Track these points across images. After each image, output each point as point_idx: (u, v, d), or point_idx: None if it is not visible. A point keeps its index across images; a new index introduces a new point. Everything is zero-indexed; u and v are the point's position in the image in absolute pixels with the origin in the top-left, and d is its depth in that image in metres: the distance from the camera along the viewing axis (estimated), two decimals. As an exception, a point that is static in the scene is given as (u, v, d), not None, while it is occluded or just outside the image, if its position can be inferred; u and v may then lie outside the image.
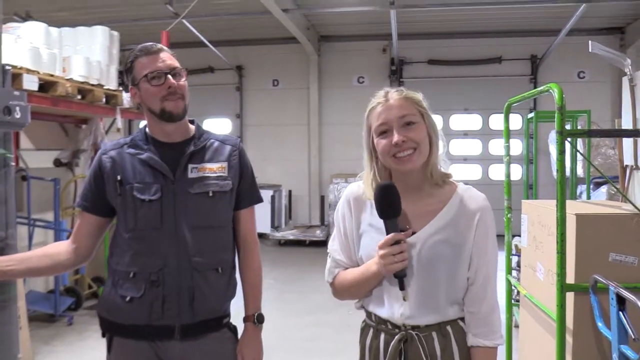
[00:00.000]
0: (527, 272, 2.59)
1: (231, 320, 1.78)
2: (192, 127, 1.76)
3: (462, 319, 1.44)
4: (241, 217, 1.77)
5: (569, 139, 1.99)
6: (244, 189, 1.76)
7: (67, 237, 1.80)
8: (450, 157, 1.53)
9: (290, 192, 10.26)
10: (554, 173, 6.63)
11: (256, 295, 1.79)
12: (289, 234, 9.12)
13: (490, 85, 9.75)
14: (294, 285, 6.35)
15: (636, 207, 2.04)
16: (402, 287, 1.38)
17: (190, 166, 1.67)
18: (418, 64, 10.01)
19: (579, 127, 5.60)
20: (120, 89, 5.16)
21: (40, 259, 1.68)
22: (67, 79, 4.37)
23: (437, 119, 1.49)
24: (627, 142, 3.12)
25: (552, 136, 7.31)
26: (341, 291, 1.52)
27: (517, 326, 3.21)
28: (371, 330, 1.48)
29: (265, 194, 8.43)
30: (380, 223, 1.41)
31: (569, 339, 1.99)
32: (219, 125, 10.63)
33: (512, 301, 3.03)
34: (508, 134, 2.78)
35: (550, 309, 2.11)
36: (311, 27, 9.51)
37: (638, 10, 8.27)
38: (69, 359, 4.01)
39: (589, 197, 5.48)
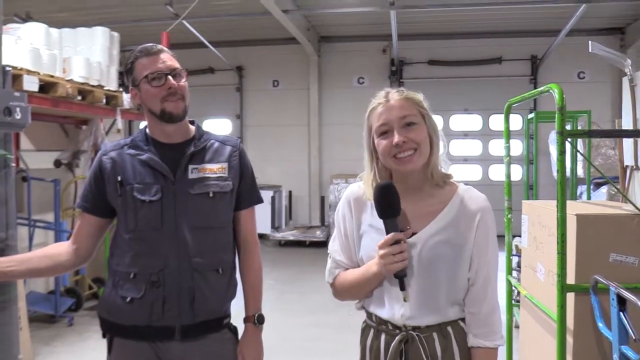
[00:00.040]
0: (527, 273, 2.59)
1: (231, 321, 1.78)
2: (192, 127, 1.76)
3: (463, 319, 1.44)
4: (241, 218, 1.77)
5: (569, 140, 1.99)
6: (244, 189, 1.76)
7: (68, 238, 1.80)
8: (451, 158, 1.53)
9: (290, 192, 10.26)
10: (554, 173, 6.63)
11: (256, 295, 1.79)
12: (289, 235, 9.12)
13: (490, 85, 9.75)
14: (294, 285, 6.35)
15: (637, 208, 2.04)
16: (402, 288, 1.38)
17: (190, 167, 1.67)
18: (418, 65, 10.01)
19: (579, 128, 5.60)
20: (121, 89, 5.16)
21: (40, 259, 1.68)
22: (68, 80, 4.38)
23: (437, 120, 1.49)
24: (628, 143, 3.12)
25: (552, 136, 7.30)
26: (341, 292, 1.52)
27: (517, 327, 3.21)
28: (372, 331, 1.48)
29: (266, 195, 8.45)
30: (380, 224, 1.41)
31: (569, 340, 1.99)
32: (219, 126, 10.63)
33: (513, 302, 3.03)
34: (508, 134, 2.78)
35: (551, 310, 2.11)
36: (311, 28, 9.52)
37: (638, 10, 8.27)
38: (69, 359, 4.01)
39: (589, 198, 5.48)
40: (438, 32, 9.56)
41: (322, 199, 10.19)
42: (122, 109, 5.16)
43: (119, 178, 1.65)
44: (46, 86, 4.06)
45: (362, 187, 1.50)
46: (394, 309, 1.41)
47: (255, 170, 1.86)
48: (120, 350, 1.68)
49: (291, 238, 9.05)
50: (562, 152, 1.94)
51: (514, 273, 4.06)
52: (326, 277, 1.55)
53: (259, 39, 10.02)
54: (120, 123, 5.31)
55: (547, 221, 2.27)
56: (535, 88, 9.20)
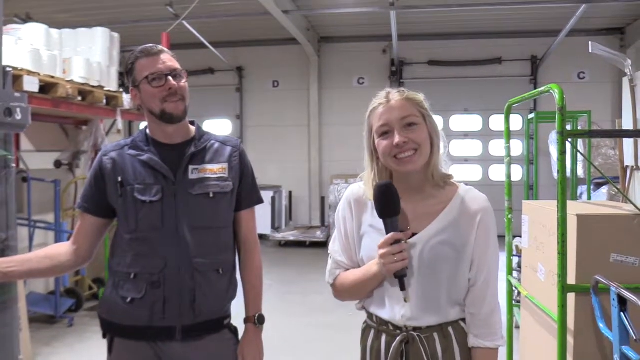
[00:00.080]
0: (528, 273, 2.59)
1: (232, 321, 1.78)
2: (192, 128, 1.76)
3: (464, 320, 1.44)
4: (242, 218, 1.77)
5: (569, 140, 1.99)
6: (245, 190, 1.76)
7: (68, 239, 1.80)
8: (451, 158, 1.53)
9: (290, 193, 10.26)
10: (555, 174, 6.63)
11: (257, 296, 1.79)
12: (290, 235, 9.12)
13: (490, 86, 9.75)
14: (295, 286, 6.34)
15: (637, 208, 2.03)
16: (402, 288, 1.38)
17: (190, 167, 1.68)
18: (418, 65, 10.01)
19: (579, 128, 5.59)
20: (121, 90, 5.16)
21: (40, 260, 1.68)
22: (68, 81, 4.38)
23: (438, 120, 1.48)
24: (628, 143, 3.12)
25: (553, 137, 7.30)
26: (342, 292, 1.52)
27: (518, 327, 3.21)
28: (372, 332, 1.48)
29: (266, 195, 8.45)
30: (381, 224, 1.41)
31: (570, 340, 1.99)
32: (219, 127, 10.64)
33: (513, 302, 3.03)
34: (509, 134, 2.78)
35: (552, 310, 2.11)
36: (311, 28, 9.52)
37: (638, 10, 8.27)
38: (69, 360, 4.01)
39: (589, 198, 5.48)
40: (438, 32, 9.56)
41: (323, 200, 10.19)
42: (122, 110, 5.16)
43: (120, 179, 1.65)
44: (46, 87, 4.07)
45: (363, 187, 1.50)
46: (394, 309, 1.41)
47: (255, 171, 1.86)
48: (120, 351, 1.68)
49: (291, 238, 9.05)
50: (562, 153, 1.93)
51: (515, 273, 4.06)
52: (327, 278, 1.55)
53: (259, 40, 10.03)
54: (120, 124, 5.31)
55: (547, 221, 2.27)
56: (535, 88, 9.19)
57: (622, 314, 1.69)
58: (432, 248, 1.39)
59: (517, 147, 9.16)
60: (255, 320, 1.75)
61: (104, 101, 4.85)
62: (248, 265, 1.80)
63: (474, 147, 10.05)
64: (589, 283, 1.91)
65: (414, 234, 1.41)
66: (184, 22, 7.11)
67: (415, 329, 1.40)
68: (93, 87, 4.66)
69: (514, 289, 2.95)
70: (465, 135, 10.02)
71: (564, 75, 9.33)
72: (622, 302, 1.69)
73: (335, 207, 8.34)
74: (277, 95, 10.50)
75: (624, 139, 3.28)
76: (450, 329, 1.42)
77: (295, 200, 10.38)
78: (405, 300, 1.40)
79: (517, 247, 4.06)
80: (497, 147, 9.87)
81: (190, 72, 1.75)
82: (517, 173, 8.89)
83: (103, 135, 5.48)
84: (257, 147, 10.05)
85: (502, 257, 2.08)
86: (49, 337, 4.40)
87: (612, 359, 1.75)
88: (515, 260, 3.86)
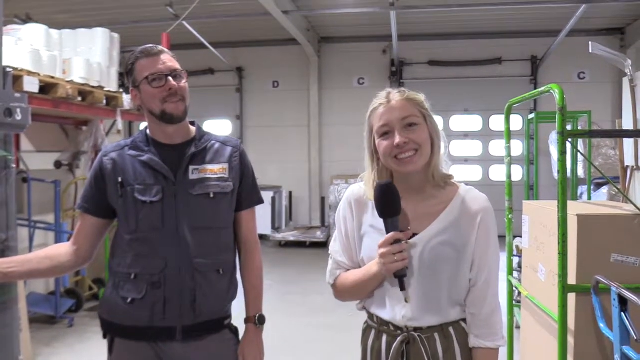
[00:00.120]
0: (528, 273, 2.59)
1: (232, 322, 1.78)
2: (192, 128, 1.76)
3: (465, 320, 1.44)
4: (242, 219, 1.77)
5: (569, 140, 1.99)
6: (245, 190, 1.76)
7: (68, 239, 1.80)
8: (451, 158, 1.53)
9: (290, 193, 10.26)
10: (555, 174, 6.63)
11: (257, 296, 1.79)
12: (290, 235, 9.12)
13: (490, 86, 9.75)
14: (295, 286, 6.34)
15: (637, 208, 2.03)
16: (402, 288, 1.38)
17: (191, 168, 1.67)
18: (418, 65, 10.01)
19: (579, 128, 5.59)
20: (121, 90, 5.16)
21: (41, 261, 1.68)
22: (68, 81, 4.38)
23: (438, 120, 1.48)
24: (628, 143, 3.12)
25: (553, 137, 7.30)
26: (342, 292, 1.52)
27: (518, 327, 3.21)
28: (373, 332, 1.48)
29: (266, 195, 8.45)
30: (381, 224, 1.41)
31: (570, 340, 1.99)
32: (219, 127, 10.64)
33: (514, 302, 3.02)
34: (509, 134, 2.78)
35: (552, 310, 2.11)
36: (311, 29, 9.52)
37: (638, 10, 8.27)
38: (69, 361, 4.01)
39: (589, 198, 5.48)
40: (438, 32, 9.56)
41: (323, 200, 10.19)
42: (123, 110, 5.16)
43: (120, 179, 1.65)
44: (46, 87, 4.07)
45: (363, 187, 1.50)
46: (395, 310, 1.41)
47: (255, 171, 1.86)
48: (121, 351, 1.68)
49: (291, 239, 9.05)
50: (562, 153, 1.93)
51: (515, 273, 4.06)
52: (327, 278, 1.55)
53: (259, 40, 10.03)
54: (120, 124, 5.31)
55: (548, 221, 2.27)
56: (535, 88, 9.20)
57: (622, 314, 1.69)
58: (432, 248, 1.39)
59: (518, 147, 9.16)
60: (256, 320, 1.75)
61: (104, 101, 4.85)
62: (248, 265, 1.80)
63: (474, 147, 10.05)
64: (590, 283, 1.91)
65: (414, 234, 1.41)
66: (184, 23, 7.11)
67: (416, 329, 1.40)
68: (93, 87, 4.66)
69: (514, 289, 2.95)
70: (466, 135, 10.02)
71: (564, 75, 9.33)
72: (623, 302, 1.69)
73: (336, 207, 8.33)
74: (277, 95, 10.50)
75: (624, 139, 3.28)
76: (451, 329, 1.42)
77: (296, 200, 10.38)
78: (406, 301, 1.40)
79: (517, 247, 4.06)
80: (497, 147, 9.87)
81: (190, 72, 1.75)
82: (518, 173, 8.89)
83: (103, 136, 5.48)
84: (257, 148, 10.05)
85: (503, 257, 2.08)
86: (49, 338, 4.40)
87: (613, 359, 1.74)
88: (515, 260, 3.86)
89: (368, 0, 7.68)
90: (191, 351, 1.65)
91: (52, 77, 4.15)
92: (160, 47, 1.68)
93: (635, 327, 1.64)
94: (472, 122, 10.06)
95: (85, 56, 4.81)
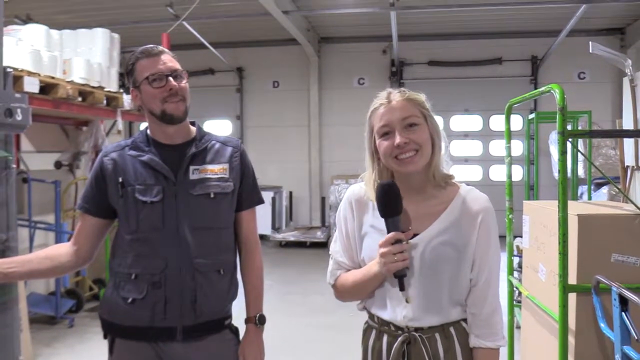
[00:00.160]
0: (528, 273, 2.59)
1: (233, 322, 1.78)
2: (193, 128, 1.76)
3: (465, 320, 1.44)
4: (242, 219, 1.77)
5: (570, 140, 1.99)
6: (246, 190, 1.76)
7: (68, 240, 1.80)
8: (451, 158, 1.53)
9: (290, 193, 10.26)
10: (555, 174, 6.63)
11: (258, 296, 1.79)
12: (290, 236, 9.12)
13: (490, 86, 9.75)
14: (295, 286, 6.34)
15: (638, 207, 2.03)
16: (402, 288, 1.37)
17: (191, 168, 1.67)
18: (418, 65, 10.01)
19: (579, 128, 5.59)
20: (121, 91, 5.17)
21: (41, 261, 1.68)
22: (68, 81, 4.38)
23: (438, 120, 1.48)
24: (628, 143, 3.12)
25: (553, 137, 7.30)
26: (343, 293, 1.52)
27: (518, 327, 3.21)
28: (374, 332, 1.47)
29: (266, 196, 8.44)
30: (382, 224, 1.41)
31: (571, 340, 1.99)
32: (219, 127, 10.64)
33: (514, 302, 3.02)
34: (509, 134, 2.78)
35: (553, 310, 2.10)
36: (311, 29, 9.52)
37: (638, 10, 8.27)
38: (70, 361, 4.01)
39: (590, 198, 5.48)
40: (438, 32, 9.56)
41: (323, 200, 10.19)
42: (123, 110, 5.16)
43: (120, 179, 1.65)
44: (47, 87, 4.07)
45: (364, 187, 1.50)
46: (396, 310, 1.41)
47: (255, 171, 1.86)
48: (121, 351, 1.68)
49: (292, 239, 9.05)
50: (563, 152, 1.93)
51: (515, 273, 4.06)
52: (327, 278, 1.55)
53: (259, 40, 10.03)
54: (120, 124, 5.31)
55: (548, 221, 2.27)
56: (535, 88, 9.20)
57: (623, 313, 1.69)
58: (433, 248, 1.39)
59: (518, 147, 9.16)
60: (256, 320, 1.75)
61: (104, 102, 4.85)
62: (249, 265, 1.79)
63: (474, 147, 10.05)
64: (590, 283, 1.91)
65: (415, 235, 1.41)
66: (184, 23, 7.12)
67: (416, 329, 1.40)
68: (93, 87, 4.66)
69: (514, 289, 2.95)
70: (466, 135, 10.02)
71: (564, 75, 9.33)
72: (624, 301, 1.69)
73: (336, 207, 8.31)
74: (277, 95, 10.50)
75: (625, 139, 3.28)
76: (451, 329, 1.41)
77: (296, 200, 10.39)
78: (407, 301, 1.40)
79: (517, 247, 4.06)
80: (497, 147, 9.87)
81: (190, 72, 1.75)
82: (518, 173, 8.89)
83: (103, 136, 5.49)
84: (257, 148, 10.05)
85: (503, 258, 2.08)
86: (50, 338, 4.40)
87: (614, 359, 1.74)
88: (516, 260, 3.86)
89: (368, 0, 7.68)
90: (192, 351, 1.65)
91: (53, 78, 4.15)
92: (160, 48, 1.68)
93: (636, 326, 1.64)
94: (472, 122, 10.06)
95: (86, 56, 4.81)
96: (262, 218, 7.25)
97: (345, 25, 9.35)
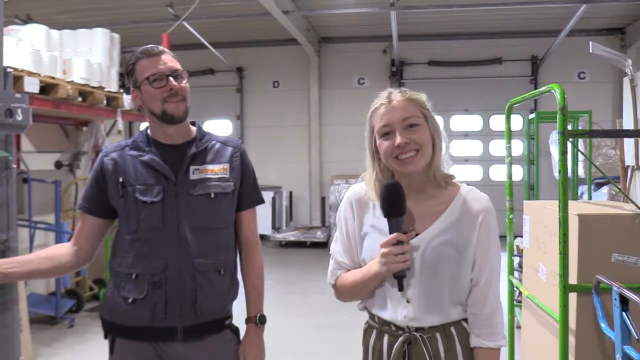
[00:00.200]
0: (529, 273, 2.59)
1: (233, 322, 1.78)
2: (193, 128, 1.76)
3: (466, 319, 1.44)
4: (243, 219, 1.77)
5: (570, 140, 1.99)
6: (246, 190, 1.76)
7: (68, 240, 1.80)
8: (451, 158, 1.53)
9: (291, 193, 10.26)
10: (555, 174, 6.63)
11: (258, 296, 1.79)
12: (290, 236, 9.12)
13: (490, 86, 9.75)
14: (296, 286, 6.34)
15: (638, 207, 2.03)
16: (400, 289, 1.37)
17: (192, 168, 1.67)
18: (418, 65, 10.01)
19: (580, 128, 5.59)
20: (121, 91, 5.17)
21: (41, 261, 1.68)
22: (68, 82, 4.38)
23: (438, 120, 1.48)
24: (628, 143, 3.12)
25: (553, 137, 7.30)
26: (343, 292, 1.52)
27: (519, 327, 3.21)
28: (374, 332, 1.47)
29: (266, 196, 8.43)
30: (382, 224, 1.41)
31: (571, 340, 1.98)
32: (219, 127, 10.64)
33: (514, 302, 3.02)
34: (509, 134, 2.78)
35: (553, 310, 2.10)
36: (311, 29, 9.52)
37: (638, 10, 8.27)
38: (70, 361, 4.01)
39: (590, 198, 5.48)
40: (438, 32, 9.56)
41: (323, 200, 10.19)
42: (123, 110, 5.16)
43: (121, 179, 1.65)
44: (47, 87, 4.07)
45: (364, 187, 1.50)
46: (396, 310, 1.41)
47: (255, 171, 1.86)
48: (122, 351, 1.68)
49: (292, 239, 9.05)
50: (563, 152, 1.93)
51: (516, 273, 4.06)
52: (328, 278, 1.55)
53: (259, 40, 10.03)
54: (120, 124, 5.31)
55: (548, 221, 2.27)
56: (535, 88, 9.20)
57: (623, 313, 1.69)
58: (434, 248, 1.39)
59: (518, 147, 9.16)
60: (257, 320, 1.75)
61: (105, 102, 4.85)
62: (249, 265, 1.80)
63: (475, 147, 10.05)
64: (591, 283, 1.91)
65: (416, 235, 1.40)
66: (184, 23, 7.12)
67: (417, 329, 1.40)
68: (93, 87, 4.66)
69: (515, 289, 2.95)
70: (466, 135, 10.02)
71: (564, 75, 9.33)
72: (624, 301, 1.69)
73: (336, 207, 8.33)
74: (277, 95, 10.50)
75: (625, 139, 3.28)
76: (452, 329, 1.41)
77: (296, 200, 10.39)
78: (408, 301, 1.40)
79: (518, 247, 4.06)
80: (497, 147, 9.87)
81: (190, 72, 1.75)
82: (518, 173, 8.89)
83: (103, 136, 5.49)
84: (257, 148, 10.06)
85: (504, 257, 2.08)
86: (50, 338, 4.40)
87: (614, 359, 1.74)
88: (516, 260, 3.86)
89: (368, 0, 7.68)
90: (192, 351, 1.65)
91: (53, 78, 4.15)
92: (161, 48, 1.68)
93: (637, 326, 1.64)
94: (472, 122, 10.06)
95: (86, 56, 4.81)
96: (262, 218, 7.24)
97: (345, 25, 9.35)
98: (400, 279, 1.36)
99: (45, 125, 5.24)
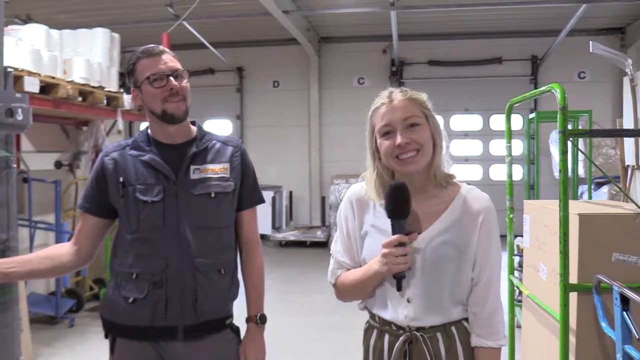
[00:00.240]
0: (529, 273, 2.59)
1: (234, 321, 1.78)
2: (193, 128, 1.76)
3: (467, 319, 1.44)
4: (243, 218, 1.77)
5: (571, 139, 1.99)
6: (246, 189, 1.76)
7: (69, 239, 1.80)
8: (452, 158, 1.52)
9: (291, 193, 10.26)
10: (555, 173, 6.63)
11: (258, 295, 1.79)
12: (290, 235, 9.12)
13: (490, 85, 9.75)
14: (296, 286, 6.34)
15: (638, 207, 2.03)
16: (399, 288, 1.37)
17: (192, 167, 1.67)
18: (418, 65, 10.01)
19: (580, 127, 5.59)
20: (121, 90, 5.17)
21: (41, 261, 1.68)
22: (68, 81, 4.38)
23: (438, 120, 1.48)
24: (629, 142, 3.12)
25: (553, 136, 7.30)
26: (343, 292, 1.52)
27: (519, 327, 3.21)
28: (375, 332, 1.47)
29: (266, 195, 8.39)
30: (383, 224, 1.41)
31: (572, 339, 1.98)
32: (219, 127, 10.64)
33: (515, 301, 3.02)
34: (510, 134, 2.78)
35: (553, 309, 2.10)
36: (311, 29, 9.52)
37: (638, 10, 8.27)
38: (70, 361, 4.01)
39: (590, 197, 5.48)
40: (438, 32, 9.56)
41: (323, 199, 10.19)
42: (123, 110, 5.16)
43: (121, 179, 1.65)
44: (47, 87, 4.07)
45: (365, 187, 1.50)
46: (397, 310, 1.41)
47: (255, 171, 1.86)
48: (122, 351, 1.68)
49: (292, 238, 9.05)
50: (564, 152, 1.93)
51: (516, 273, 4.06)
52: (328, 278, 1.55)
53: (259, 40, 10.03)
54: (121, 124, 5.31)
55: (549, 221, 2.27)
56: (535, 88, 9.20)
57: (624, 313, 1.69)
58: (434, 248, 1.39)
59: (518, 147, 9.16)
60: (257, 319, 1.75)
61: (105, 102, 4.85)
62: (250, 265, 1.79)
63: (475, 146, 10.05)
64: (591, 282, 1.91)
65: (417, 234, 1.40)
66: (184, 23, 7.11)
67: (418, 329, 1.40)
68: (93, 87, 4.66)
69: (515, 288, 2.95)
70: (466, 135, 10.02)
71: (564, 74, 9.33)
72: (625, 301, 1.69)
73: (336, 207, 8.34)
74: (277, 95, 10.50)
75: (625, 139, 3.28)
76: (453, 329, 1.41)
77: (296, 200, 10.38)
78: (408, 301, 1.39)
79: (518, 246, 4.05)
80: (497, 147, 9.87)
81: (190, 72, 1.75)
82: (518, 172, 8.89)
83: (103, 136, 5.49)
84: (257, 147, 10.05)
85: (504, 257, 2.08)
86: (50, 338, 4.40)
87: (615, 358, 1.74)
88: (516, 259, 3.85)
89: (368, 0, 7.68)
90: (193, 351, 1.65)
91: (53, 78, 4.15)
92: (161, 47, 1.68)
93: (637, 326, 1.64)
94: (472, 121, 10.06)
95: (86, 56, 4.81)
96: (262, 218, 7.23)
97: (345, 25, 9.35)
98: (399, 279, 1.36)
99: (45, 125, 5.24)
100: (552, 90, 1.97)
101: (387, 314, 1.43)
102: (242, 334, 1.78)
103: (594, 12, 7.93)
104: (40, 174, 4.94)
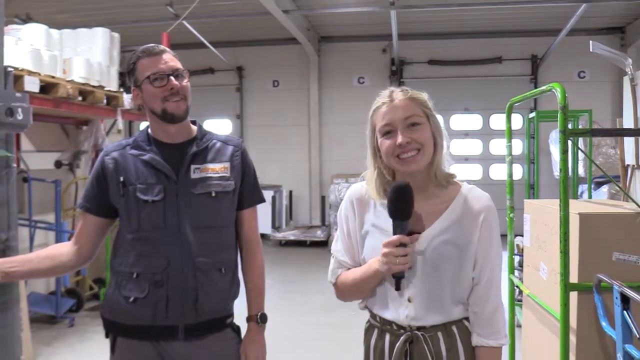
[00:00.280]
0: (530, 272, 2.59)
1: (234, 320, 1.78)
2: (194, 127, 1.76)
3: (468, 318, 1.44)
4: (244, 218, 1.77)
5: (571, 138, 1.99)
6: (247, 189, 1.76)
7: (69, 239, 1.80)
8: (452, 157, 1.52)
9: (290, 192, 10.26)
10: (555, 173, 6.63)
11: (259, 295, 1.80)
12: (290, 235, 9.12)
13: (490, 85, 9.75)
14: (296, 285, 6.35)
15: (638, 206, 2.03)
16: (397, 288, 1.37)
17: (192, 167, 1.68)
18: (418, 64, 10.00)
19: (580, 127, 5.59)
20: (121, 90, 5.16)
21: (42, 260, 1.68)
22: (68, 81, 4.38)
23: (439, 119, 1.48)
24: (629, 142, 3.12)
25: (553, 136, 7.30)
26: (343, 291, 1.52)
27: (519, 326, 3.21)
28: (376, 331, 1.47)
29: (266, 195, 8.38)
30: (383, 223, 1.41)
31: (572, 339, 1.99)
32: (219, 126, 10.64)
33: (515, 301, 3.02)
34: (510, 133, 2.78)
35: (554, 309, 2.11)
36: (311, 28, 9.52)
37: (638, 9, 8.27)
38: (70, 360, 4.01)
39: (590, 197, 5.48)
40: (438, 31, 9.55)
41: (323, 199, 10.19)
42: (123, 110, 5.16)
43: (122, 178, 1.65)
44: (47, 87, 4.06)
45: (365, 186, 1.50)
46: (398, 309, 1.41)
47: (255, 170, 1.86)
48: (123, 350, 1.68)
49: (292, 238, 9.05)
50: (564, 151, 1.93)
51: (516, 272, 4.06)
52: (329, 277, 1.55)
53: (259, 39, 10.03)
54: (120, 123, 5.31)
55: (549, 220, 2.27)
56: (535, 88, 9.19)
57: (625, 312, 1.69)
58: (435, 247, 1.39)
59: (518, 146, 9.16)
60: (258, 319, 1.76)
61: (105, 101, 4.85)
62: (250, 264, 1.80)
63: (475, 146, 10.05)
64: (592, 281, 1.91)
65: (418, 233, 1.40)
66: (184, 22, 7.11)
67: (419, 328, 1.40)
68: (93, 87, 4.66)
69: (515, 287, 2.95)
70: (466, 134, 10.02)
71: (564, 74, 9.33)
72: (625, 300, 1.69)
73: (336, 206, 8.34)
74: (277, 94, 10.50)
75: (625, 138, 3.28)
76: (454, 328, 1.41)
77: (296, 199, 10.38)
78: (409, 300, 1.39)
79: (518, 246, 4.06)
80: (497, 146, 9.87)
81: (190, 72, 1.75)
82: (518, 172, 8.89)
83: (103, 135, 5.48)
84: (257, 147, 10.05)
85: (504, 256, 2.08)
86: (50, 338, 4.40)
87: (615, 358, 1.74)
88: (517, 259, 3.85)
89: (368, -1, 7.69)
90: (193, 350, 1.65)
91: (53, 77, 4.15)
92: (161, 47, 1.68)
93: (638, 325, 1.64)
94: (472, 121, 10.06)
95: (86, 56, 4.81)
96: (262, 217, 7.22)
97: (345, 25, 9.34)
98: (398, 279, 1.36)
99: (45, 125, 5.24)
100: (553, 90, 1.97)
101: (387, 314, 1.43)
102: (243, 333, 1.78)
103: (594, 11, 7.92)
104: (40, 174, 4.94)
